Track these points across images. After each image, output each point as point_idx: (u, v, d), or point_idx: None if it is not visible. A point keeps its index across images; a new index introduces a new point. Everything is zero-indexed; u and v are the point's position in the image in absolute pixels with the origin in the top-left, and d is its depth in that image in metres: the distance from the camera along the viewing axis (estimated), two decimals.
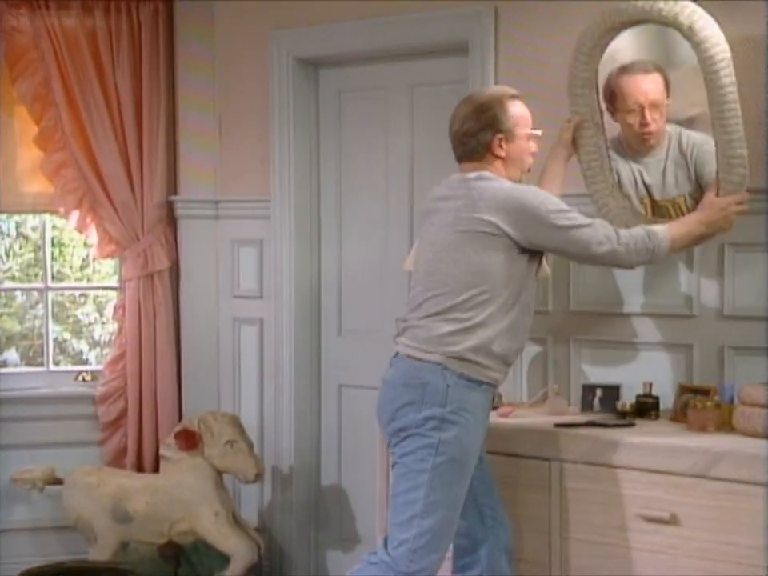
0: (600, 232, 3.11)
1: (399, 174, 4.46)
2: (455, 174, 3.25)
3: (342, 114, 4.63)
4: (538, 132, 3.25)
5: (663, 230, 3.19)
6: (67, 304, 5.86)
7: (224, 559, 4.38)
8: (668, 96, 3.45)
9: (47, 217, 5.00)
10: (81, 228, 4.82)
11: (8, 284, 5.56)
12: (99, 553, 4.36)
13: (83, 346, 5.87)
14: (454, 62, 4.19)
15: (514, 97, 3.22)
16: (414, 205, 4.38)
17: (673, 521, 3.11)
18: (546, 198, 3.11)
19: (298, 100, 4.62)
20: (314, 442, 4.77)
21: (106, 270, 5.51)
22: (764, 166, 3.47)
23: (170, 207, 4.86)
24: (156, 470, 4.64)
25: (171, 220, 4.88)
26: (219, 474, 4.43)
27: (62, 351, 5.72)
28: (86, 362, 5.68)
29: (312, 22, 4.49)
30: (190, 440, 4.41)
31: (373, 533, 3.95)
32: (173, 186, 4.86)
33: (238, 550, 4.35)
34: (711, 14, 3.26)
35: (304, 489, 4.73)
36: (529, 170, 3.28)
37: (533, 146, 3.25)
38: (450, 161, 3.29)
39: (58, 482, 4.48)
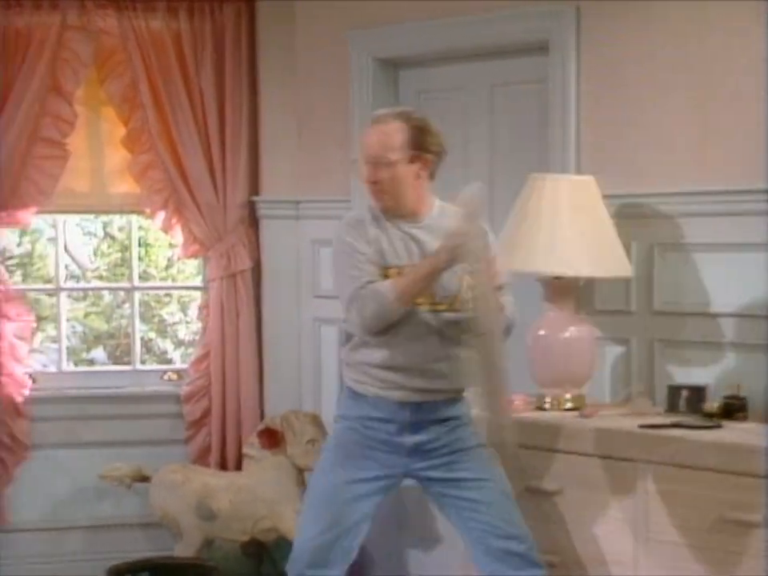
0: (357, 301, 3.08)
1: (478, 174, 4.41)
2: None
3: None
4: (355, 158, 3.21)
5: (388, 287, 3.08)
6: (152, 303, 5.95)
7: None
8: None
9: (134, 217, 5.07)
10: (166, 228, 4.87)
11: (96, 283, 5.67)
12: (185, 549, 4.43)
13: (168, 345, 5.96)
14: (534, 61, 4.16)
15: (372, 122, 3.24)
16: (494, 205, 4.36)
17: (764, 524, 3.06)
18: (341, 237, 3.25)
19: (378, 100, 4.63)
20: None
21: (190, 271, 5.59)
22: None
23: (251, 207, 4.90)
24: (239, 468, 4.69)
25: (253, 220, 4.92)
26: (301, 472, 4.46)
27: (148, 350, 5.81)
28: (170, 361, 5.76)
29: (391, 22, 4.50)
30: (272, 439, 4.45)
31: (454, 533, 3.93)
32: (255, 187, 4.91)
33: None
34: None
35: None
36: (376, 198, 3.20)
37: (358, 172, 3.21)
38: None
39: (146, 479, 4.55)
